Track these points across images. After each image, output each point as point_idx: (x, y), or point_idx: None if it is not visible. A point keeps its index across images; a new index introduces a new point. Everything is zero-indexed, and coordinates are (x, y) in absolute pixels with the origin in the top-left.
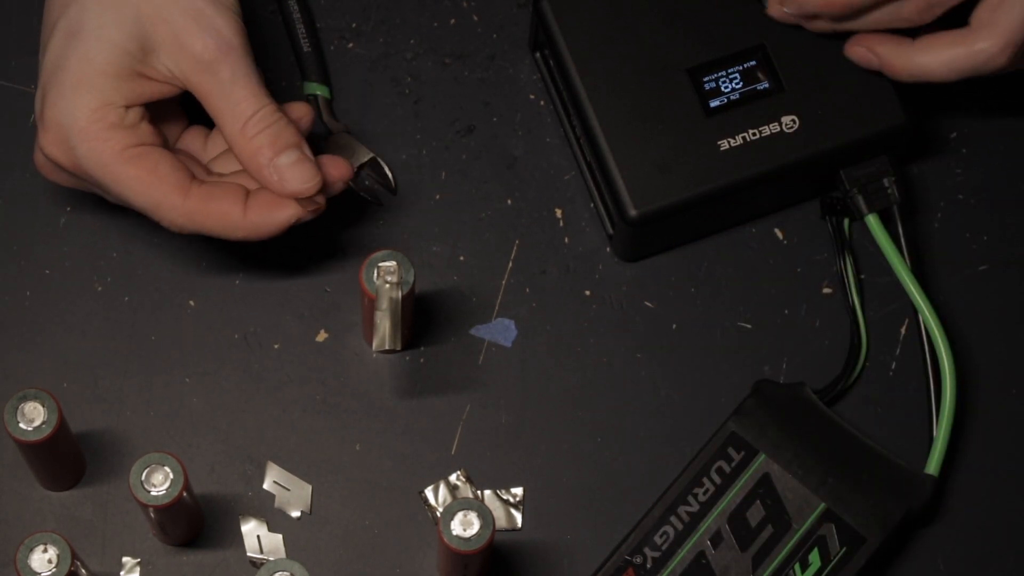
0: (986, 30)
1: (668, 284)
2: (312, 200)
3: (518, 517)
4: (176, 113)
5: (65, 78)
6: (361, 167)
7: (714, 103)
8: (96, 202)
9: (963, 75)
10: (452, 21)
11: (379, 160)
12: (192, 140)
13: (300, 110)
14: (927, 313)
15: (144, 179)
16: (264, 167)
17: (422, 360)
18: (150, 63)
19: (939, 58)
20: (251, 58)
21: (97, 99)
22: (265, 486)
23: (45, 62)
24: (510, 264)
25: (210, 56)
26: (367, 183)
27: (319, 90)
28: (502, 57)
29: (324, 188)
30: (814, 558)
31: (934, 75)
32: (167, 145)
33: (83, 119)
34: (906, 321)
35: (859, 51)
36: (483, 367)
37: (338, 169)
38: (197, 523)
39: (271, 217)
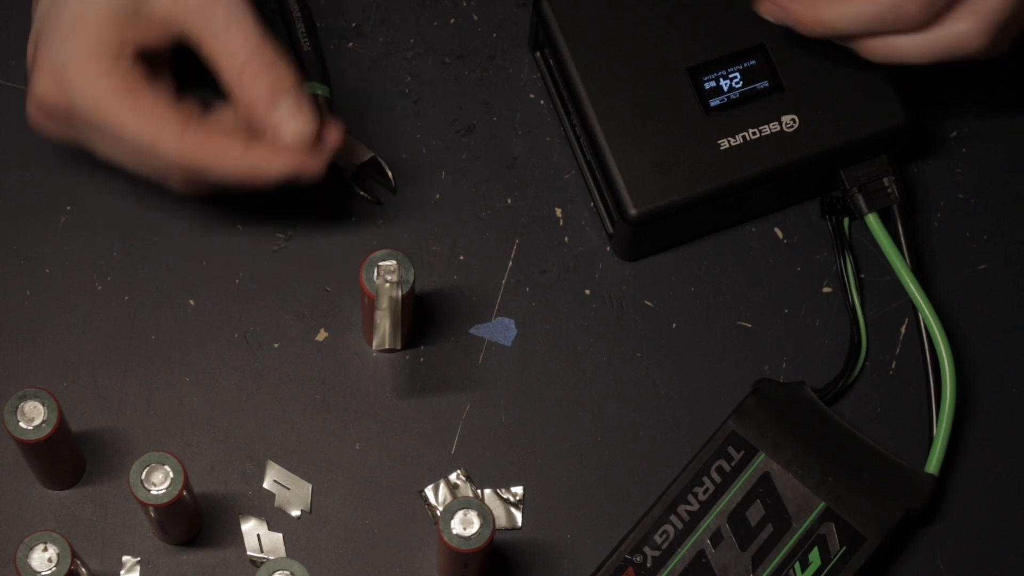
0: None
1: (668, 284)
2: (314, 156)
3: (518, 516)
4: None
5: (60, 23)
6: (361, 167)
7: (714, 103)
8: (96, 202)
9: (939, 58)
10: (452, 21)
11: (379, 160)
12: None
13: (333, 136)
14: (927, 313)
15: (141, 112)
16: (260, 115)
17: (422, 360)
18: (147, 6)
19: (915, 41)
20: (249, 3)
21: (93, 40)
22: (265, 485)
23: (36, 14)
24: (510, 264)
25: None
26: (367, 183)
27: (319, 90)
28: (502, 57)
29: (321, 149)
30: (814, 557)
31: (908, 56)
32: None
33: (79, 57)
34: (906, 321)
35: (771, 10)
36: (483, 367)
37: (333, 134)
38: (197, 522)
39: (272, 162)
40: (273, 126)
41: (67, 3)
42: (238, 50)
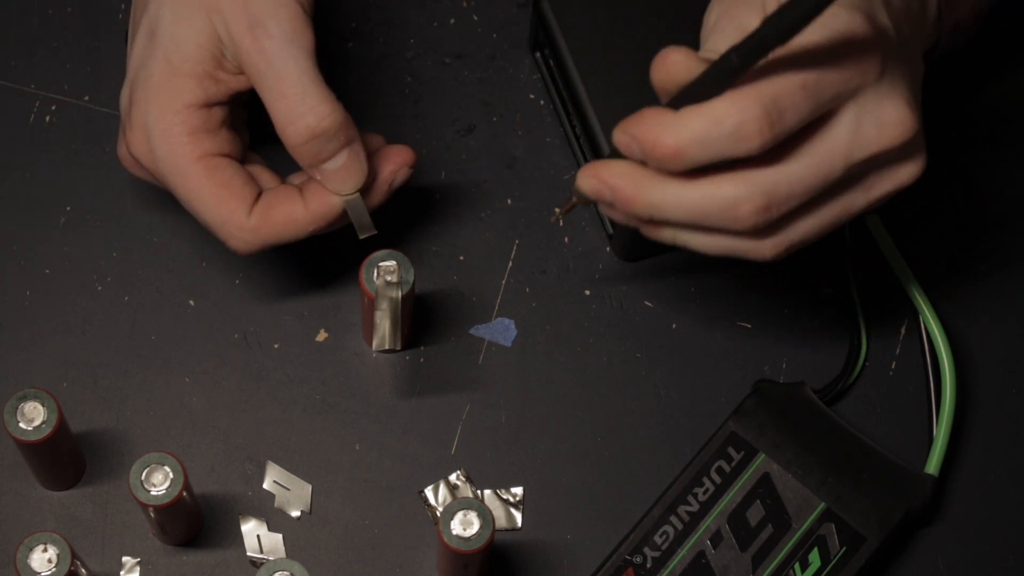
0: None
1: (668, 284)
2: (374, 193)
3: (518, 517)
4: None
5: (148, 79)
6: None
7: None
8: (96, 202)
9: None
10: (452, 21)
11: None
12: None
13: (402, 156)
14: (927, 313)
15: (215, 191)
16: (308, 169)
17: (422, 360)
18: (223, 53)
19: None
20: (302, 50)
21: (179, 101)
22: (265, 486)
23: (131, 61)
24: (510, 264)
25: (252, 47)
26: None
27: None
28: (502, 57)
29: (378, 184)
30: (814, 558)
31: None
32: (241, 151)
33: (165, 121)
34: (906, 321)
35: (590, 183)
36: (483, 367)
37: (395, 161)
38: (197, 523)
39: (331, 201)
40: (320, 178)
41: (152, 57)
42: (283, 99)
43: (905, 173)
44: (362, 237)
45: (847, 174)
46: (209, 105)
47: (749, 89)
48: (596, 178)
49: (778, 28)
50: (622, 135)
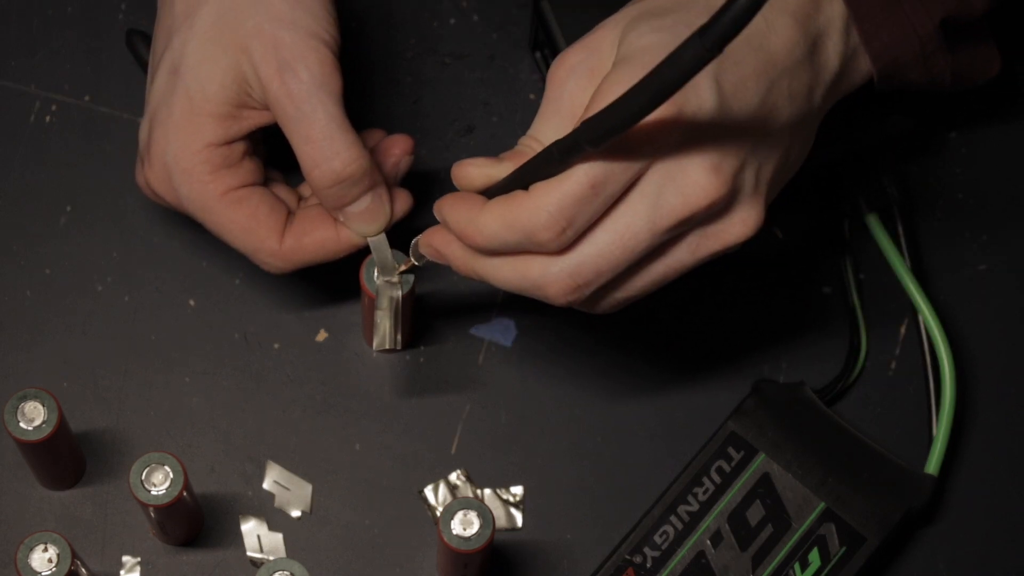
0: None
1: (668, 284)
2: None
3: (518, 517)
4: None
5: (169, 117)
6: None
7: None
8: (96, 202)
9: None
10: (452, 21)
11: None
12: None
13: (401, 146)
14: (927, 313)
15: (244, 224)
16: (331, 211)
17: (422, 360)
18: (248, 93)
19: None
20: (330, 95)
21: (200, 140)
22: (265, 486)
23: (151, 96)
24: None
25: (281, 92)
26: None
27: None
28: (502, 57)
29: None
30: (814, 557)
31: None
32: (263, 173)
33: (186, 161)
34: (906, 321)
35: (428, 251)
36: (483, 367)
37: (395, 153)
38: (197, 523)
39: (365, 229)
40: (343, 220)
41: (174, 94)
42: (310, 144)
43: (730, 233)
44: (384, 279)
45: (658, 241)
46: (230, 142)
47: (541, 193)
48: (431, 248)
49: (591, 133)
50: (437, 213)
